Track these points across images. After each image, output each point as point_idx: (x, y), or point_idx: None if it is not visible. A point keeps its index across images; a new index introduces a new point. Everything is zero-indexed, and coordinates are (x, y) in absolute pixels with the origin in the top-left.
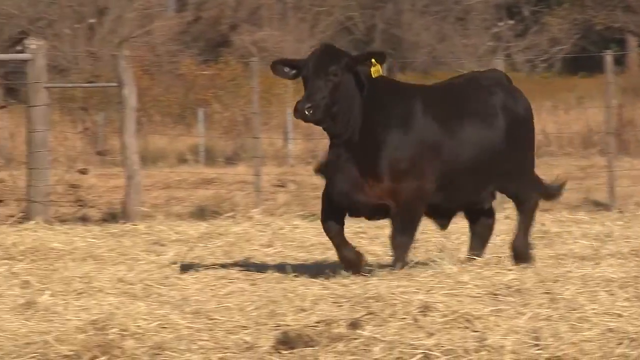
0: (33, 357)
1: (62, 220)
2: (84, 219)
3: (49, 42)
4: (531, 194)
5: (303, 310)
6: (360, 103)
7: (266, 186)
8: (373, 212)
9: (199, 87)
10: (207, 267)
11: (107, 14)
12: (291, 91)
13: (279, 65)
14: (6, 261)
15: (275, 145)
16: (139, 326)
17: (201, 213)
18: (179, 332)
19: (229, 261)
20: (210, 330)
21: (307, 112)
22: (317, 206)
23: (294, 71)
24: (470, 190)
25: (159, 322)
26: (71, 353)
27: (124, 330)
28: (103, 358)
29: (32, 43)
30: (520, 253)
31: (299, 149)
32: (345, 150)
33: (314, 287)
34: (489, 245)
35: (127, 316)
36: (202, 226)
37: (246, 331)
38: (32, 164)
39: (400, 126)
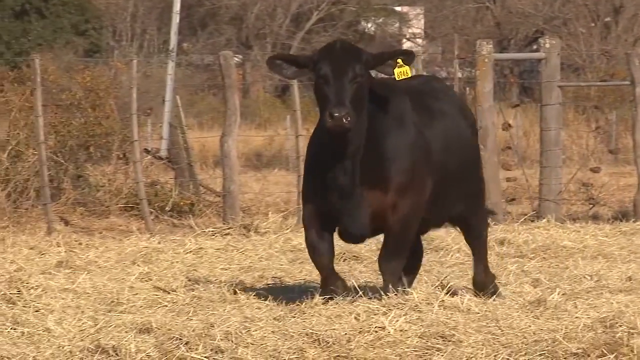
0: (541, 354)
1: (574, 219)
2: (595, 217)
3: (564, 41)
4: (485, 221)
5: None
6: (366, 108)
7: None
8: (372, 233)
9: None
10: None
11: (622, 13)
12: None
13: (277, 61)
14: (517, 259)
15: None
16: None
17: None
18: None
19: None
20: None
21: (345, 120)
22: None
23: (294, 69)
24: (448, 205)
25: None
26: (579, 351)
27: (632, 329)
28: (610, 356)
29: (547, 42)
30: (484, 287)
31: None
32: (351, 165)
33: None
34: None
35: (635, 314)
36: None
37: None
38: (545, 163)
39: (403, 133)
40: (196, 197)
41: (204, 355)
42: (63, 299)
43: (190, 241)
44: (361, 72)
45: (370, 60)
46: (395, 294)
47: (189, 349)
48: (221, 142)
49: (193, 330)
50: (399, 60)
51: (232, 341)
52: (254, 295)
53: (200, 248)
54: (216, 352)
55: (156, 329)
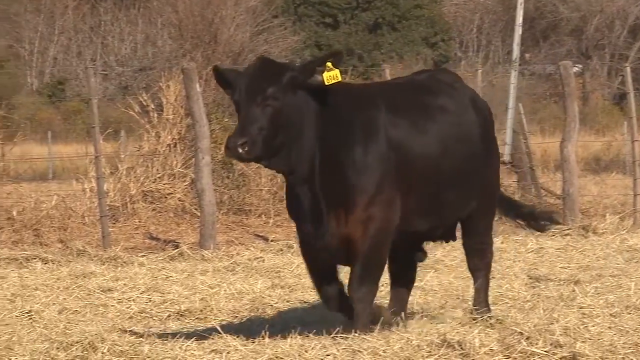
0: None
1: None
2: None
3: None
4: (490, 229)
5: None
6: (314, 125)
7: None
8: (345, 258)
9: None
10: None
11: None
12: None
13: (218, 74)
14: None
15: None
16: None
17: None
18: None
19: None
20: None
21: (240, 150)
22: None
23: (228, 90)
24: (453, 209)
25: None
26: None
27: None
28: None
29: None
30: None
31: None
32: (308, 189)
33: None
34: None
35: None
36: None
37: None
38: None
39: (367, 146)
40: (537, 200)
41: (544, 349)
42: (412, 296)
43: (532, 241)
44: (275, 95)
45: (298, 75)
46: (364, 328)
47: (530, 343)
48: (561, 147)
49: (534, 326)
50: (328, 64)
51: (570, 336)
52: (592, 293)
53: (541, 248)
54: (555, 346)
55: (499, 324)
